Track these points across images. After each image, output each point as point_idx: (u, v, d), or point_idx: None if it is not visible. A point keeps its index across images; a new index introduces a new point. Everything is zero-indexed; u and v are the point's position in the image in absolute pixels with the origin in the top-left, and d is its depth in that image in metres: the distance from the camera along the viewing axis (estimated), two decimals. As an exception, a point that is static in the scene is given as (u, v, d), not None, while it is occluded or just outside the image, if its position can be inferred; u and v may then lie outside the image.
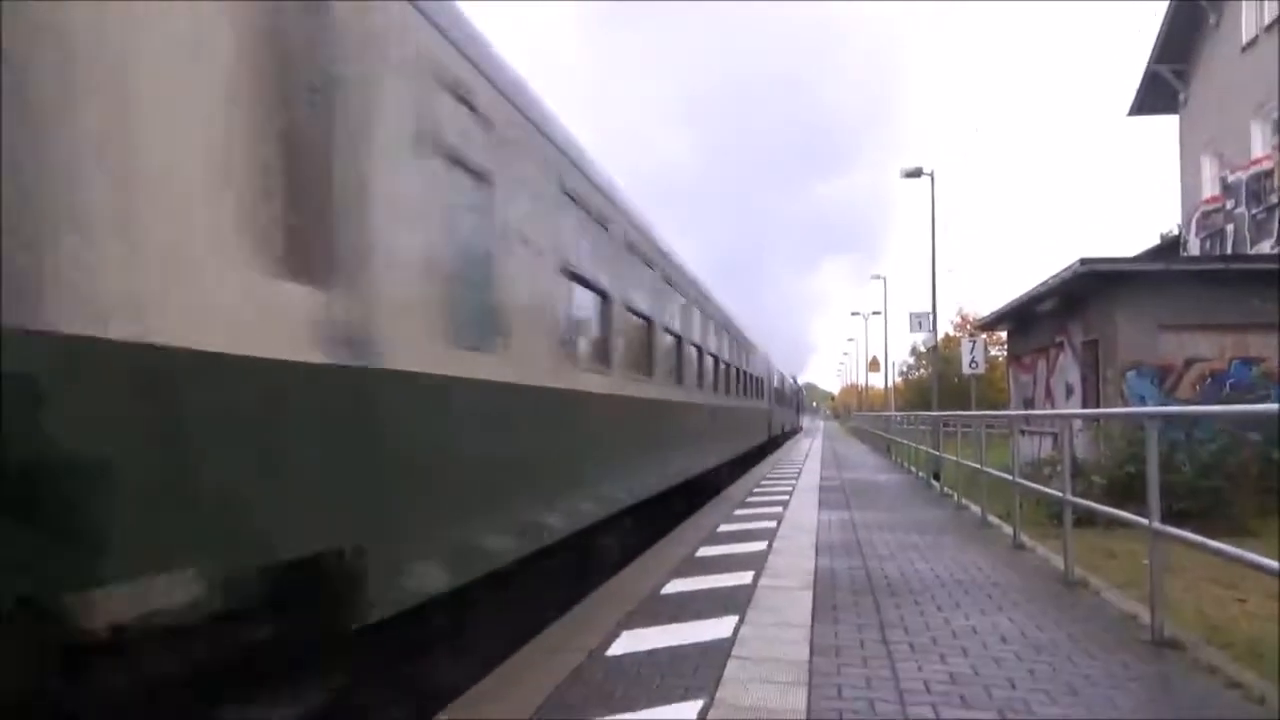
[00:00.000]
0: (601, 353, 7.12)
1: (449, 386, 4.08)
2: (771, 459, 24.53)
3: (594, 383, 6.68)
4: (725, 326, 15.74)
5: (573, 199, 6.20)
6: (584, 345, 6.68)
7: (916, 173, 27.19)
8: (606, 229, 7.19)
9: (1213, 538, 4.78)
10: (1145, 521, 5.16)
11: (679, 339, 10.67)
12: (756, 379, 22.24)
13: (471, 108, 4.40)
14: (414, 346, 3.76)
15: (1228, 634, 5.56)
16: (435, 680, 4.33)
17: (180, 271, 2.50)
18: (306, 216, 3.02)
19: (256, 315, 2.78)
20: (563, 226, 5.97)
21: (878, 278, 48.21)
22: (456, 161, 4.24)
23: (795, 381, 55.17)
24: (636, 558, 7.73)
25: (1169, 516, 5.35)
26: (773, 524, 9.79)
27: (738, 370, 17.53)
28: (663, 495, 9.45)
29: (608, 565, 7.36)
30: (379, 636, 3.47)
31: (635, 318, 8.37)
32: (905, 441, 21.71)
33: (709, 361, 13.35)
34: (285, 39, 2.94)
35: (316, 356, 3.04)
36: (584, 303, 6.61)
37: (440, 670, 4.45)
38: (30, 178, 2.11)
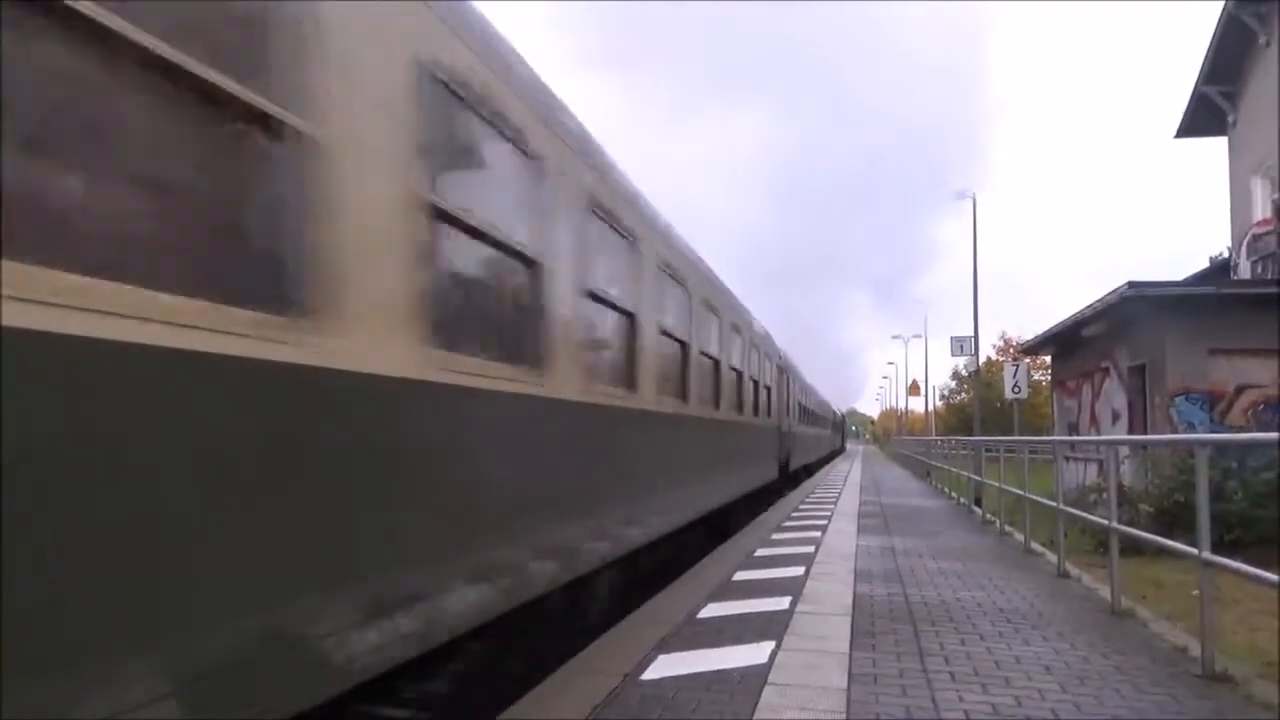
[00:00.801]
0: (800, 417, 23.16)
1: (791, 429, 20.06)
2: (807, 485, 24.41)
3: (799, 426, 22.94)
4: (818, 399, 33.79)
5: (804, 395, 26.21)
6: (797, 417, 22.26)
7: (961, 194, 27.11)
8: (801, 385, 24.45)
9: (1266, 568, 4.65)
10: (1195, 551, 5.04)
11: (806, 408, 25.96)
12: (828, 418, 41.66)
13: (776, 366, 17.39)
14: (794, 422, 21.02)
15: (1282, 669, 5.39)
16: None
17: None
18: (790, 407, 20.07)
19: (798, 426, 22.39)
20: (791, 387, 20.73)
21: (918, 301, 47.82)
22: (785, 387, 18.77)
23: (841, 414, 71.96)
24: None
25: (1220, 546, 5.22)
26: (810, 549, 9.69)
27: (823, 416, 36.60)
28: (810, 465, 28.84)
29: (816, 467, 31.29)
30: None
31: (805, 407, 25.52)
32: (946, 466, 21.43)
33: (814, 414, 30.33)
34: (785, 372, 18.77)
35: (792, 430, 20.54)
36: (796, 405, 21.89)
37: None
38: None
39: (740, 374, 11.78)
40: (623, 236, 6.27)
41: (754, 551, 9.52)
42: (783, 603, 6.51)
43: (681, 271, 8.18)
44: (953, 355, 33.81)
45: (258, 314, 2.51)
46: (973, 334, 27.09)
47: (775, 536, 11.03)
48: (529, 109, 4.48)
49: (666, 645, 5.21)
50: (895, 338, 60.20)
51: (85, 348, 1.96)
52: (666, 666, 4.73)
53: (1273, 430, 13.09)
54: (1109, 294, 15.39)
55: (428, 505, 3.49)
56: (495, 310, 4.44)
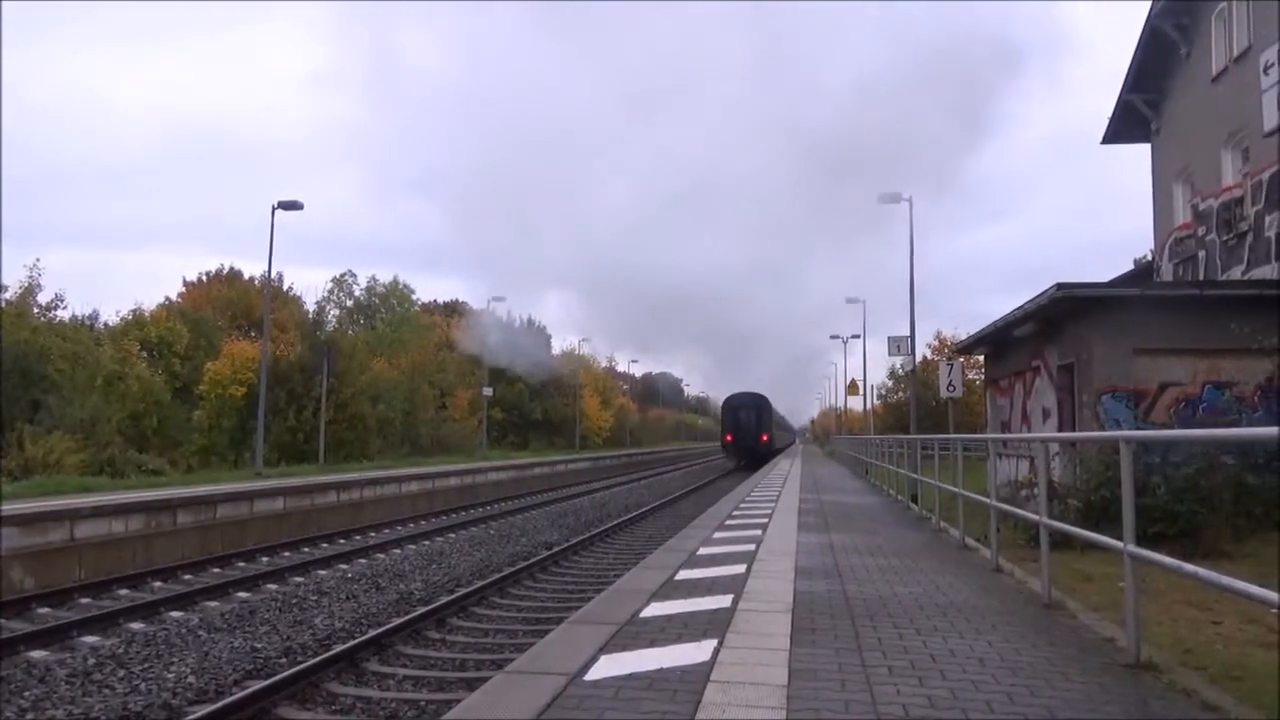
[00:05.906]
0: (785, 430, 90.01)
1: (780, 434, 75.89)
2: (751, 480, 24.63)
3: (780, 433, 74.13)
4: (784, 419, 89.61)
5: (787, 422, 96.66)
6: (782, 429, 79.74)
7: (894, 198, 27.51)
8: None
9: (1187, 560, 4.82)
10: (1120, 545, 5.20)
11: (785, 427, 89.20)
12: (786, 424, 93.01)
13: (783, 419, 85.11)
14: (783, 434, 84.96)
15: (1203, 657, 5.60)
16: None
17: None
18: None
19: (780, 433, 77.49)
20: (784, 424, 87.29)
21: (855, 301, 48.38)
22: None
23: (788, 420, 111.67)
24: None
25: (1144, 539, 5.39)
26: (752, 547, 9.78)
27: (782, 425, 79.91)
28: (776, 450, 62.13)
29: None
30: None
31: (785, 426, 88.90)
32: (883, 464, 21.80)
33: (784, 425, 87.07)
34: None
35: (781, 434, 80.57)
36: (783, 428, 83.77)
37: None
38: None
39: (777, 423, 64.30)
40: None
41: (696, 550, 9.58)
42: (725, 600, 6.57)
43: (784, 418, 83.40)
44: (890, 355, 34.44)
45: None
46: (909, 334, 27.63)
47: (717, 535, 11.11)
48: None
49: (610, 645, 5.22)
50: (834, 338, 61.30)
51: None
52: (610, 667, 4.74)
53: (1193, 427, 13.60)
54: (1039, 295, 15.81)
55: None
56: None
